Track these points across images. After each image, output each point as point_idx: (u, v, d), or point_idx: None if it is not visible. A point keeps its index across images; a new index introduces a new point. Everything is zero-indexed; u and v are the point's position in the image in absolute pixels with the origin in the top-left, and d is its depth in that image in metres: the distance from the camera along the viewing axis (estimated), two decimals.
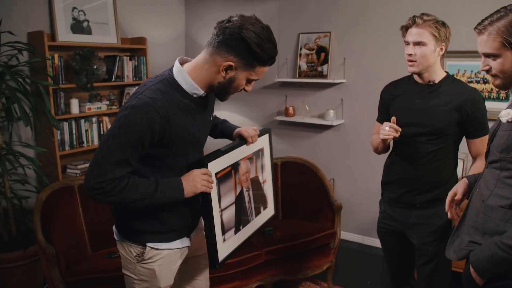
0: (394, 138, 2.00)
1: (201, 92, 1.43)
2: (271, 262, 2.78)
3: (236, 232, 1.75)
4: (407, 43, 1.91)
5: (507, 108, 1.45)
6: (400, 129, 1.91)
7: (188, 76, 1.41)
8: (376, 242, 3.78)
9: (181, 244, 1.61)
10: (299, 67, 3.89)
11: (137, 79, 3.76)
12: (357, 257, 3.63)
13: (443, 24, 1.88)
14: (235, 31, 1.33)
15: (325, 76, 3.75)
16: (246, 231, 1.85)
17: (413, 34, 1.87)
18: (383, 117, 2.14)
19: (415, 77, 1.99)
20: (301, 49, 3.87)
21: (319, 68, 3.78)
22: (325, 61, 3.75)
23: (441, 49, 1.89)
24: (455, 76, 3.06)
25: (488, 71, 1.45)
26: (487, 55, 1.43)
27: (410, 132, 1.96)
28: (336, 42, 3.71)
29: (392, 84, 2.14)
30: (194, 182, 1.45)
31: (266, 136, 2.02)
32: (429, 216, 1.98)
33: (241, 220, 1.78)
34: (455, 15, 3.08)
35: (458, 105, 1.87)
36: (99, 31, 3.56)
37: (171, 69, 1.45)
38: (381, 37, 3.49)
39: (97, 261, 2.59)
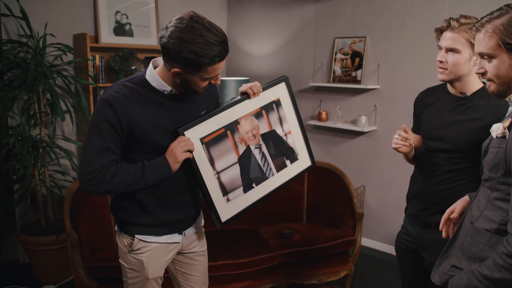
0: (421, 150, 1.89)
1: (168, 88, 1.50)
2: (286, 264, 2.80)
3: (246, 190, 1.75)
4: (440, 48, 1.74)
5: (503, 121, 1.33)
6: (409, 138, 1.81)
7: (157, 74, 1.50)
8: None
9: (171, 239, 1.68)
10: (334, 72, 3.87)
11: None
12: (383, 267, 3.54)
13: None
14: (167, 43, 1.36)
15: (358, 82, 3.70)
16: (264, 188, 1.81)
17: (447, 39, 1.69)
18: (416, 127, 2.01)
19: (448, 86, 1.82)
20: (336, 53, 3.85)
21: (353, 73, 3.74)
22: (359, 66, 3.70)
23: None
24: None
25: (483, 75, 1.34)
26: (482, 55, 1.32)
27: (433, 146, 1.83)
28: (371, 47, 3.65)
29: (426, 92, 1.99)
30: (173, 153, 1.50)
31: (282, 85, 1.85)
32: (442, 239, 1.77)
33: (252, 178, 1.76)
34: None
35: (487, 123, 1.62)
36: (141, 33, 3.75)
37: (145, 71, 1.55)
38: (417, 43, 3.39)
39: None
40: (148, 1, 3.79)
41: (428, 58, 3.33)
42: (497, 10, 1.28)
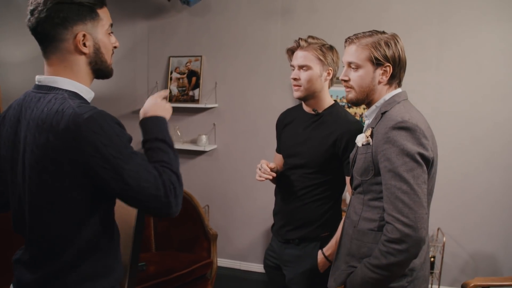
0: (282, 169, 1.95)
1: (92, 93, 1.25)
2: None
3: None
4: (293, 67, 1.84)
5: (365, 131, 1.50)
6: (269, 169, 1.83)
7: (78, 83, 1.20)
8: (253, 267, 3.76)
9: None
10: (170, 92, 3.77)
11: None
12: (235, 284, 3.56)
13: (330, 48, 1.83)
14: (45, 7, 1.11)
15: (196, 101, 3.68)
16: None
17: (298, 57, 1.80)
18: (279, 147, 2.05)
19: (303, 105, 1.92)
20: (171, 73, 3.76)
21: (191, 93, 3.71)
22: (197, 85, 3.69)
23: (328, 73, 1.82)
24: None
25: (346, 82, 1.49)
26: (350, 64, 1.48)
27: (290, 163, 1.89)
28: (208, 66, 3.69)
29: (285, 112, 2.05)
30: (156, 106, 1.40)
31: None
32: (299, 255, 1.86)
33: None
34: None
35: (334, 138, 1.77)
36: None
37: (58, 88, 1.16)
38: (252, 62, 3.55)
39: None
40: None
41: (263, 76, 3.52)
42: (368, 31, 1.47)
